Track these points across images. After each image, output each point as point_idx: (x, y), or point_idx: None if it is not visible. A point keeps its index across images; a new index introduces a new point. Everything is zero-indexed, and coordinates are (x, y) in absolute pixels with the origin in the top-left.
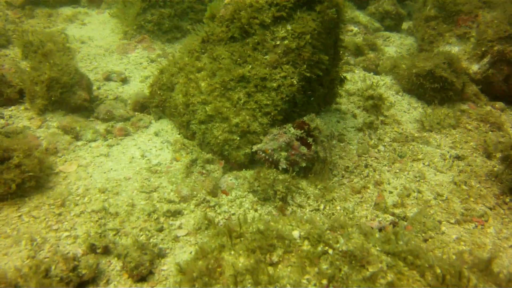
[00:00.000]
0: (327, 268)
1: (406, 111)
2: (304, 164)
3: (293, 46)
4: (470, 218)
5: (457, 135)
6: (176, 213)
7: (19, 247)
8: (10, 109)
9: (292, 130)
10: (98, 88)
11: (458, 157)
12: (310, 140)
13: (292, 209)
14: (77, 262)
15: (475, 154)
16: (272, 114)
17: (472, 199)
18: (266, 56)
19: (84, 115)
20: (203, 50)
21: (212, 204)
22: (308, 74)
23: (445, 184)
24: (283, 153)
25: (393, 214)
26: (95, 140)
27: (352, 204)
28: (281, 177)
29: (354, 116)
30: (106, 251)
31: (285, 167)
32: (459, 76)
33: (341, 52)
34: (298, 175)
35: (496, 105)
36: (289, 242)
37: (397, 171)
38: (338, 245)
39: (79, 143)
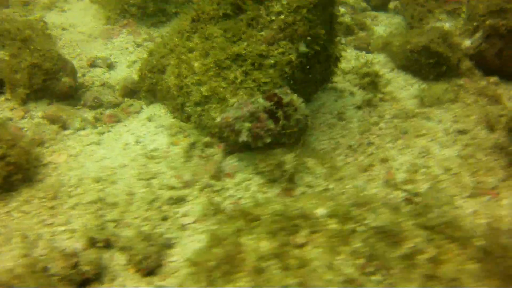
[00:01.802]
0: (361, 246)
1: (403, 87)
2: (269, 140)
3: (289, 21)
4: (483, 191)
5: (457, 110)
6: (180, 200)
7: (9, 246)
8: None
9: (261, 101)
10: (83, 75)
11: (460, 131)
12: (279, 113)
13: (300, 190)
14: (77, 258)
15: (478, 128)
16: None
17: (481, 172)
18: (262, 32)
19: (70, 103)
20: (193, 30)
21: (217, 188)
22: (306, 50)
23: (452, 159)
24: (246, 124)
25: (405, 191)
26: (84, 129)
27: (362, 182)
28: (287, 157)
29: (352, 94)
30: (108, 245)
31: (245, 139)
32: (454, 51)
33: (336, 28)
34: (260, 151)
35: (491, 80)
36: (314, 222)
37: (401, 147)
38: (368, 221)
39: (67, 132)
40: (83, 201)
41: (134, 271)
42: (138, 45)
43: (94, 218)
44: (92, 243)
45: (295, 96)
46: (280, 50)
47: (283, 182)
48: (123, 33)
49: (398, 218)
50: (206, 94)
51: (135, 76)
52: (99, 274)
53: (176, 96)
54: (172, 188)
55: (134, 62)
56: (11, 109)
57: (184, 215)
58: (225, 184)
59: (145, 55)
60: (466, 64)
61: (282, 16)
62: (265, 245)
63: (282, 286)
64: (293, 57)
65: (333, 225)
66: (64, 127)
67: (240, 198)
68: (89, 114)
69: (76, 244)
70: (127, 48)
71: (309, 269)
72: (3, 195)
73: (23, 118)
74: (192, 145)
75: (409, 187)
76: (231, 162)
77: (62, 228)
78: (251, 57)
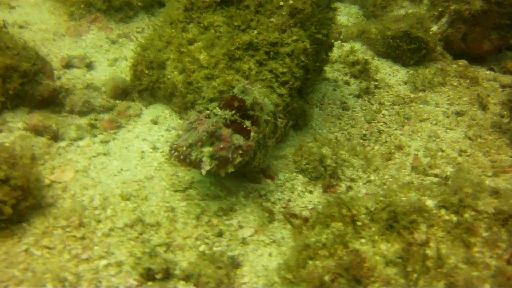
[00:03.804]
0: (489, 235)
1: (391, 74)
2: (239, 159)
3: (299, 6)
4: (502, 169)
5: (449, 92)
6: (228, 211)
7: None
8: None
9: (219, 111)
10: (59, 78)
11: (458, 113)
12: (247, 124)
13: (345, 184)
14: None
15: (473, 108)
16: (290, 82)
17: (492, 151)
18: (272, 19)
19: (54, 110)
20: (188, 20)
21: (262, 192)
22: (319, 36)
23: (460, 140)
24: (206, 149)
25: (436, 176)
26: (81, 138)
27: (394, 171)
28: (324, 150)
29: (347, 83)
30: (168, 275)
31: (209, 168)
32: (431, 35)
33: (332, 14)
34: (228, 178)
35: (460, 63)
36: (428, 215)
37: (410, 133)
38: (481, 207)
39: (63, 143)
40: (118, 225)
41: None
42: (114, 42)
43: (138, 244)
44: (147, 275)
45: (255, 91)
46: (294, 37)
47: (326, 178)
48: (93, 29)
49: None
50: (220, 88)
51: (124, 75)
52: None
53: (185, 93)
54: (215, 197)
55: (116, 60)
56: None
57: (240, 226)
58: (269, 186)
59: (130, 52)
60: (438, 48)
61: (291, 1)
62: (386, 248)
63: None
64: (307, 44)
65: (447, 216)
66: (55, 138)
67: (289, 201)
68: (81, 121)
69: (129, 280)
70: (101, 46)
71: (450, 267)
72: (13, 229)
73: (1, 131)
74: None
75: (437, 171)
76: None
77: (104, 262)
78: (264, 46)
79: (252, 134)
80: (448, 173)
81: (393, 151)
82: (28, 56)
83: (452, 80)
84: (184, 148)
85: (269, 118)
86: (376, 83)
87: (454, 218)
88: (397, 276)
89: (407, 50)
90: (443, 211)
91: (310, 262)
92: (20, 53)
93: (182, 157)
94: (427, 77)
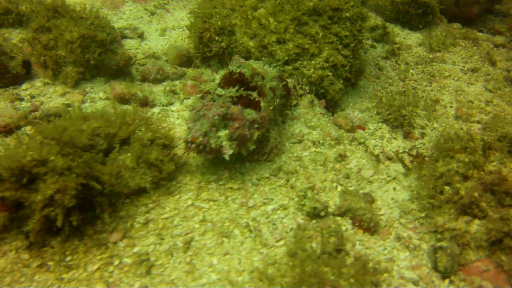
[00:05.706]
0: None
1: (405, 37)
2: (257, 134)
3: None
4: None
5: (461, 52)
6: (343, 156)
7: (234, 240)
8: (22, 88)
9: (221, 91)
10: None
11: (473, 70)
12: (254, 95)
13: (418, 131)
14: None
15: (485, 65)
16: (352, 44)
17: None
18: None
19: (125, 79)
20: None
21: (361, 140)
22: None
23: (482, 93)
24: (223, 132)
25: (478, 122)
26: (171, 103)
27: (445, 119)
28: (397, 101)
29: (373, 46)
30: (327, 213)
31: (231, 151)
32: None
33: None
34: (251, 155)
35: (454, 26)
36: None
37: (439, 88)
38: None
39: (155, 109)
40: (263, 175)
41: (362, 232)
42: (152, 13)
43: (289, 189)
44: (313, 214)
45: (250, 60)
46: (351, 3)
47: (405, 126)
48: (127, 1)
49: None
50: (294, 51)
51: (184, 43)
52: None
53: (260, 57)
54: (331, 146)
55: (164, 29)
56: (62, 94)
57: (359, 168)
58: (363, 135)
59: (174, 21)
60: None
61: None
62: None
63: None
64: (360, 9)
65: None
66: (143, 105)
67: (382, 147)
68: (160, 88)
69: (298, 219)
70: (141, 17)
71: None
72: (168, 187)
73: (83, 102)
74: (311, 102)
75: (476, 118)
76: (356, 114)
77: (270, 207)
78: (327, 11)
79: (262, 104)
80: (487, 120)
81: (432, 104)
82: (101, 26)
83: (459, 41)
84: (201, 138)
85: (274, 85)
86: (397, 45)
87: None
88: None
89: (415, 15)
90: None
91: (447, 187)
92: (94, 23)
93: (201, 147)
94: (440, 38)
